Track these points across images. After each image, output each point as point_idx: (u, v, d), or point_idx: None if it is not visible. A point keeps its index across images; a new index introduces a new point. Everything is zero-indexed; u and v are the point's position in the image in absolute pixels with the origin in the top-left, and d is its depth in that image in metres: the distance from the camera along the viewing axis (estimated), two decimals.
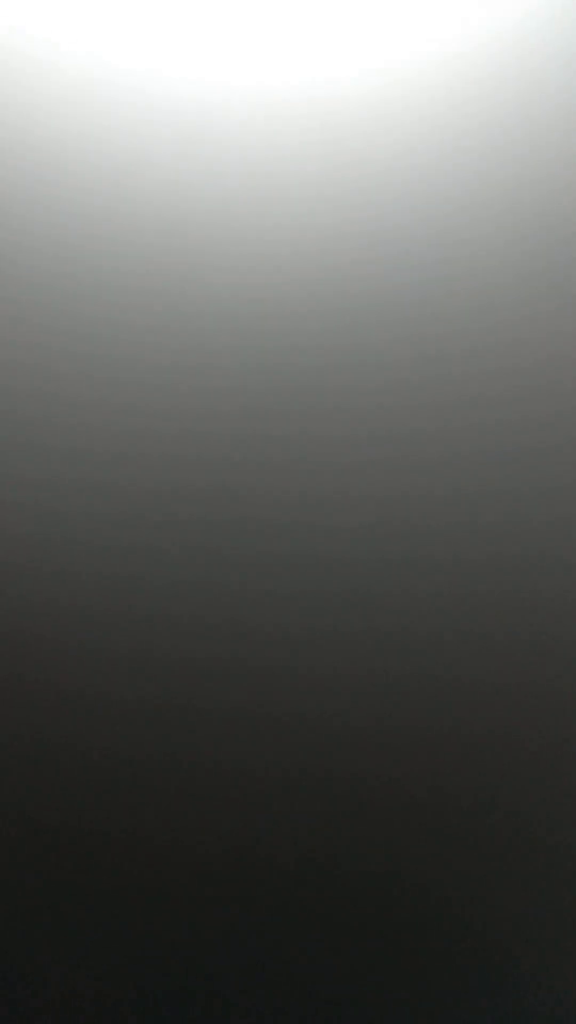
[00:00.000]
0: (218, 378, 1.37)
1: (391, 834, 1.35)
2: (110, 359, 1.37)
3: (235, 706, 1.36)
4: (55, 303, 1.37)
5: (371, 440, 1.36)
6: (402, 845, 1.35)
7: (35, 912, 1.36)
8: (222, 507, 1.36)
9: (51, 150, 1.37)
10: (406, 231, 1.36)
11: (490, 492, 1.35)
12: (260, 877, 1.35)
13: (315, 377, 1.36)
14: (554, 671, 1.35)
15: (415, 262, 1.36)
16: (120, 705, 1.36)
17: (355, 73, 1.36)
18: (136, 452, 1.36)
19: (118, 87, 1.37)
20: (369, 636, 1.35)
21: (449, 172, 1.36)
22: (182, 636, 1.36)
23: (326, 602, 1.35)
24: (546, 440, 1.35)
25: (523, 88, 1.36)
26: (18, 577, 1.36)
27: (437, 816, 1.35)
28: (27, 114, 1.37)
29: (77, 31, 1.37)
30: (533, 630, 1.35)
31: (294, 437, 1.36)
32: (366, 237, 1.36)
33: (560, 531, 1.35)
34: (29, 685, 1.36)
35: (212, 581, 1.36)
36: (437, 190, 1.36)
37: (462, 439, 1.35)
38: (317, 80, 1.36)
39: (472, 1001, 1.35)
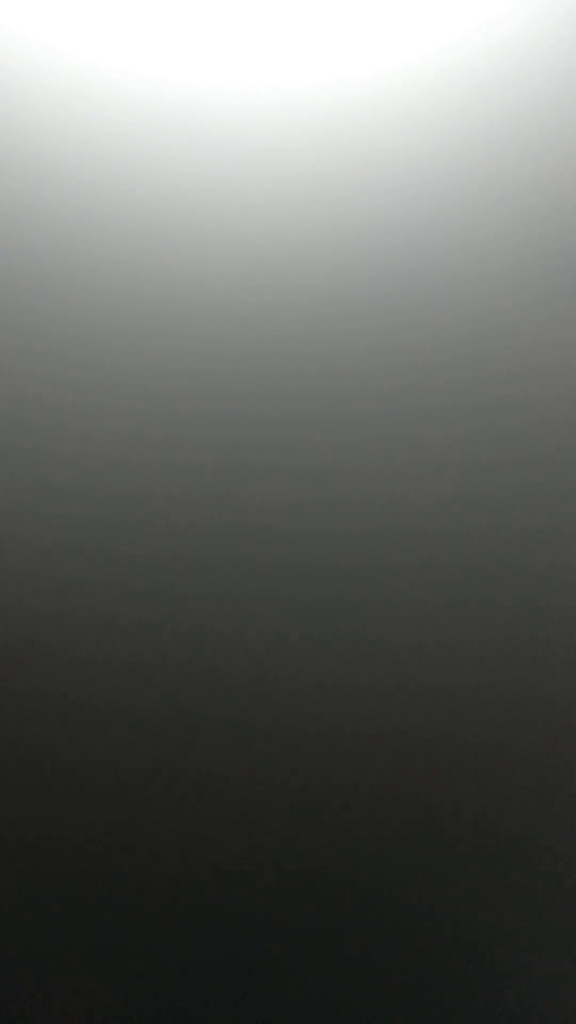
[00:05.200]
0: (216, 385, 1.36)
1: (389, 844, 1.35)
2: (109, 366, 1.37)
3: (233, 715, 1.35)
4: (54, 308, 1.37)
5: (369, 447, 1.35)
6: (399, 854, 1.35)
7: (31, 923, 1.36)
8: (220, 514, 1.36)
9: (47, 155, 1.37)
10: (406, 236, 1.36)
11: (489, 499, 1.35)
12: (257, 885, 1.35)
13: (313, 383, 1.36)
14: (553, 679, 1.34)
15: (415, 267, 1.36)
16: (116, 713, 1.35)
17: (355, 77, 1.36)
18: (134, 459, 1.36)
19: (115, 91, 1.37)
20: (367, 644, 1.35)
21: (450, 177, 1.36)
22: (179, 644, 1.36)
23: (324, 610, 1.35)
24: (545, 447, 1.35)
25: (524, 94, 1.36)
26: (16, 584, 1.36)
27: (435, 825, 1.34)
28: (22, 118, 1.37)
29: (73, 35, 1.37)
30: (532, 638, 1.34)
31: (291, 444, 1.36)
32: (366, 241, 1.36)
33: (559, 539, 1.34)
34: (28, 693, 1.36)
35: (210, 589, 1.36)
36: (438, 195, 1.36)
37: (460, 446, 1.35)
38: (317, 84, 1.36)
39: (470, 1009, 1.35)
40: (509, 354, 1.35)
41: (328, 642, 1.35)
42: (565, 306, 1.35)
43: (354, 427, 1.35)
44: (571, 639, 1.34)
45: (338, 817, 1.35)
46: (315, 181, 1.36)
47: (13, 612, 1.35)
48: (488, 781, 1.34)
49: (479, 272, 1.35)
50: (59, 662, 1.35)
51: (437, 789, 1.34)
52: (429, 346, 1.36)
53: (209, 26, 1.37)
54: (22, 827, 1.36)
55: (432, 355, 1.35)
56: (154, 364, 1.37)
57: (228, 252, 1.36)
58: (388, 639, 1.35)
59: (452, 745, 1.34)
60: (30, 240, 1.37)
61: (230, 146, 1.36)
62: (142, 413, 1.36)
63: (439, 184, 1.36)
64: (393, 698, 1.35)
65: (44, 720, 1.36)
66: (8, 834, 1.36)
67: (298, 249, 1.36)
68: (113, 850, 1.36)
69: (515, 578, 1.34)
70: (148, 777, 1.35)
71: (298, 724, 1.35)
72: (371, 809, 1.35)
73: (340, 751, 1.35)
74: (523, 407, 1.35)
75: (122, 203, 1.36)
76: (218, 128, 1.36)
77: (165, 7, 1.37)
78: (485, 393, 1.35)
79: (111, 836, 1.36)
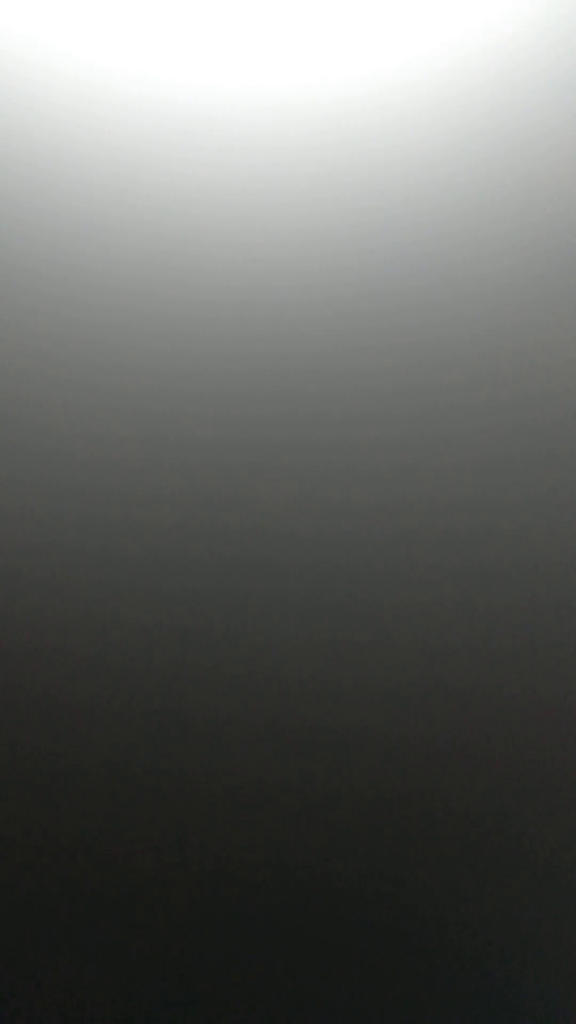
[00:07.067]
0: (216, 385, 1.36)
1: (389, 843, 1.35)
2: (109, 366, 1.37)
3: (233, 715, 1.35)
4: (54, 308, 1.37)
5: (369, 447, 1.35)
6: (399, 854, 1.35)
7: (31, 923, 1.36)
8: (220, 514, 1.36)
9: (47, 155, 1.37)
10: (406, 235, 1.36)
11: (489, 499, 1.35)
12: (256, 885, 1.35)
13: (313, 383, 1.36)
14: (553, 679, 1.34)
15: (415, 267, 1.36)
16: (116, 713, 1.35)
17: (355, 76, 1.36)
18: (134, 459, 1.36)
19: (115, 91, 1.37)
20: (367, 644, 1.35)
21: (450, 176, 1.36)
22: (179, 644, 1.36)
23: (324, 610, 1.35)
24: (545, 447, 1.35)
25: (524, 94, 1.36)
26: (16, 584, 1.36)
27: (435, 825, 1.34)
28: (22, 118, 1.37)
29: (73, 35, 1.37)
30: (532, 638, 1.34)
31: (291, 444, 1.36)
32: (366, 241, 1.36)
33: (559, 539, 1.34)
34: (28, 693, 1.36)
35: (210, 588, 1.36)
36: (438, 194, 1.36)
37: (460, 446, 1.35)
38: (316, 84, 1.36)
39: (470, 1009, 1.34)
40: (510, 354, 1.35)
41: (328, 642, 1.35)
42: (565, 306, 1.35)
43: (354, 427, 1.35)
44: (571, 639, 1.34)
45: (338, 817, 1.35)
46: (315, 181, 1.36)
47: (13, 612, 1.35)
48: (488, 781, 1.34)
49: (479, 272, 1.35)
50: (59, 662, 1.35)
51: (437, 789, 1.34)
52: (429, 346, 1.35)
53: (209, 26, 1.37)
54: (22, 827, 1.36)
55: (433, 355, 1.35)
56: (154, 364, 1.37)
57: (228, 252, 1.36)
58: (388, 639, 1.35)
59: (452, 745, 1.34)
60: (30, 240, 1.37)
61: (230, 146, 1.36)
62: (142, 413, 1.36)
63: (439, 184, 1.36)
64: (393, 698, 1.34)
65: (44, 720, 1.35)
66: (8, 834, 1.36)
67: (298, 249, 1.36)
68: (112, 850, 1.36)
69: (515, 578, 1.34)
70: (148, 777, 1.35)
71: (298, 724, 1.35)
72: (371, 809, 1.34)
73: (340, 751, 1.35)
74: (523, 407, 1.35)
75: (122, 203, 1.37)
76: (218, 128, 1.36)
77: (165, 7, 1.37)
78: (485, 393, 1.35)
79: (110, 836, 1.36)
